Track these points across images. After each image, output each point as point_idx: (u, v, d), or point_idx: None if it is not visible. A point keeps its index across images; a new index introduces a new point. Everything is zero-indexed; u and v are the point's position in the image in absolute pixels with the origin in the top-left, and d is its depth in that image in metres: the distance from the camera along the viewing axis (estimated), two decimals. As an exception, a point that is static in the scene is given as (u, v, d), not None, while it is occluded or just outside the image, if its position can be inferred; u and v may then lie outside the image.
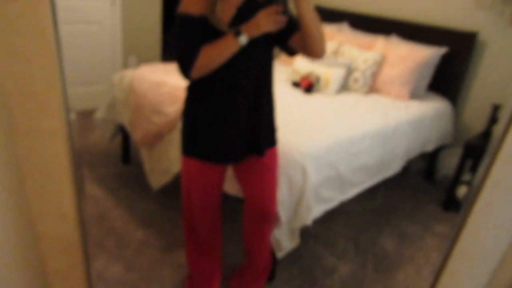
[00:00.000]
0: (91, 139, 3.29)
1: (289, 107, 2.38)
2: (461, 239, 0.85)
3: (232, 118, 1.48)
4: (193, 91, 1.51)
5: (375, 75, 2.93)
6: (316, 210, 1.99)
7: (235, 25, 1.36)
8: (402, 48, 2.96)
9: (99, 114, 2.84)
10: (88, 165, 2.90)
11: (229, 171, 1.79)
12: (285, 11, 1.32)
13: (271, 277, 2.01)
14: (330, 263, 2.18)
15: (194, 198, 1.66)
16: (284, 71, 3.16)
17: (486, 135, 2.67)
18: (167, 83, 2.44)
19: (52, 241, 0.99)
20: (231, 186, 1.88)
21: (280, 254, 1.90)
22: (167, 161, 2.31)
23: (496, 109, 2.60)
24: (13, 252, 1.01)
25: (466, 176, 2.73)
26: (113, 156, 3.06)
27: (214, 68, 1.37)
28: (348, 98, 2.76)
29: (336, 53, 3.11)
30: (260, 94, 1.50)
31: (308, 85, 2.80)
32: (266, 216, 1.72)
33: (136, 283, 1.93)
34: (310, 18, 1.33)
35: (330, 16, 3.59)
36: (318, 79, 2.81)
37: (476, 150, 2.62)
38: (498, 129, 0.75)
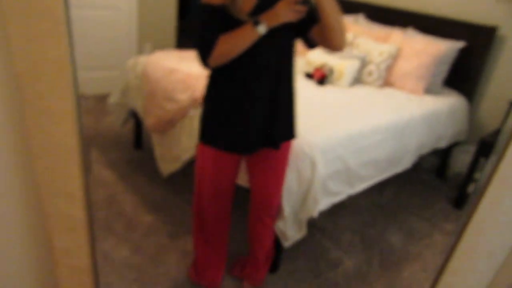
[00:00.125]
0: (104, 123, 3.33)
1: (301, 98, 2.35)
2: (466, 235, 0.84)
3: (249, 109, 1.47)
4: (212, 80, 1.51)
5: (390, 68, 2.89)
6: (323, 203, 1.98)
7: (256, 15, 1.35)
8: (419, 41, 2.90)
9: (112, 99, 2.87)
10: (100, 149, 2.94)
11: (242, 165, 1.79)
12: (305, 1, 1.30)
13: (275, 268, 2.02)
14: (335, 257, 2.18)
15: (206, 186, 1.67)
16: (298, 62, 3.13)
17: (501, 132, 2.62)
18: (180, 70, 2.44)
19: (59, 220, 1.00)
20: (241, 176, 1.89)
21: (286, 244, 1.91)
22: (177, 148, 2.33)
23: (512, 106, 2.55)
24: (22, 229, 1.03)
25: (478, 174, 2.69)
26: (125, 141, 3.09)
27: (231, 57, 1.37)
28: (361, 91, 2.73)
29: (351, 45, 3.07)
30: (279, 86, 1.48)
31: (321, 77, 2.77)
32: (269, 208, 1.74)
33: (142, 266, 1.96)
34: (330, 9, 1.30)
35: (347, 7, 3.54)
36: (331, 71, 2.78)
37: (490, 148, 2.57)
38: (508, 125, 0.74)
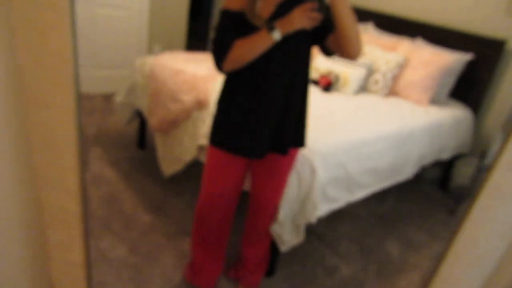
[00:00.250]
0: (110, 122, 3.35)
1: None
2: (458, 242, 0.84)
3: (261, 115, 1.48)
4: (227, 84, 1.53)
5: (396, 77, 2.89)
6: (322, 209, 1.98)
7: (273, 22, 1.36)
8: (426, 51, 2.90)
9: (118, 98, 2.89)
10: (103, 147, 2.96)
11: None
12: (321, 9, 1.30)
13: (272, 272, 2.02)
14: (332, 263, 2.17)
15: (213, 187, 1.67)
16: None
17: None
18: (186, 71, 2.46)
19: (54, 213, 1.01)
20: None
21: (283, 248, 1.91)
22: (180, 149, 2.34)
23: (518, 121, 2.53)
24: (18, 222, 1.04)
25: (481, 188, 2.67)
26: (129, 141, 3.11)
27: (245, 63, 1.39)
28: (366, 99, 2.73)
29: (358, 53, 3.07)
30: (292, 95, 1.49)
31: (327, 84, 2.78)
32: (267, 213, 1.76)
33: (138, 265, 1.96)
34: (345, 18, 1.30)
35: (356, 15, 3.54)
36: (337, 78, 2.79)
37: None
38: (501, 136, 0.74)
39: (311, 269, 2.11)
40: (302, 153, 1.84)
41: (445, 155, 2.81)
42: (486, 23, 2.87)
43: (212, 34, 5.03)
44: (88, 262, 1.12)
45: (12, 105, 0.91)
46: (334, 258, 2.21)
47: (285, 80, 1.45)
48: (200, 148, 2.15)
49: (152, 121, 2.52)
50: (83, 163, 1.01)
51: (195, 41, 4.94)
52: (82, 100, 3.67)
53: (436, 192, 3.09)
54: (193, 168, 2.44)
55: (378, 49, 3.01)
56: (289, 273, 2.06)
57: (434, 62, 2.81)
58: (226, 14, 1.38)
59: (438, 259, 0.89)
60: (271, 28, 1.33)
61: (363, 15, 3.53)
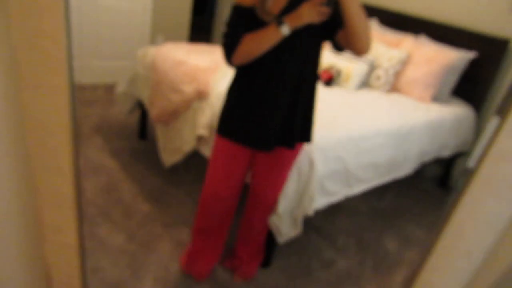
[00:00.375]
0: (111, 113, 3.37)
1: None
2: (446, 233, 0.84)
3: (269, 108, 1.50)
4: (238, 76, 1.54)
5: (398, 74, 2.88)
6: (320, 202, 1.98)
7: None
8: (430, 49, 2.89)
9: (119, 89, 2.90)
10: (105, 137, 2.97)
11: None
12: (329, 3, 1.30)
13: (267, 264, 2.02)
14: (329, 257, 2.17)
15: (217, 176, 1.69)
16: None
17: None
18: (188, 62, 2.46)
19: (48, 195, 1.02)
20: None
21: (280, 240, 1.91)
22: (180, 139, 2.35)
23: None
24: (12, 202, 1.05)
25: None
26: (130, 131, 3.12)
27: (255, 56, 1.40)
28: (367, 95, 2.73)
29: (361, 48, 3.06)
30: (301, 88, 1.50)
31: (328, 78, 2.77)
32: (266, 207, 1.77)
33: (135, 253, 1.98)
34: (354, 14, 1.30)
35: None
36: (339, 73, 2.78)
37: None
38: (490, 126, 0.73)
39: (307, 262, 2.11)
40: (301, 146, 1.84)
41: (446, 153, 2.80)
42: (490, 22, 2.85)
43: (216, 28, 5.03)
44: (82, 245, 1.13)
45: (5, 86, 0.92)
46: (331, 252, 2.21)
47: (294, 75, 1.46)
48: (199, 138, 2.16)
49: (153, 112, 2.53)
50: (76, 146, 1.02)
51: (199, 34, 4.94)
52: (84, 90, 3.68)
53: (436, 189, 3.09)
54: (193, 159, 2.45)
55: (381, 45, 3.00)
56: (285, 264, 2.07)
57: (437, 60, 2.80)
58: (237, 10, 1.41)
59: (426, 251, 0.89)
60: (280, 23, 1.34)
61: (368, 11, 3.52)
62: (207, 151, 2.13)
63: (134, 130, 3.13)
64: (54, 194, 1.03)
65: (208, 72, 2.34)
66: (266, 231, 1.89)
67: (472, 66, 2.84)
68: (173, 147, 2.41)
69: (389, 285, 2.05)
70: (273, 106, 1.49)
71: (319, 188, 1.94)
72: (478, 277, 0.85)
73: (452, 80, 2.85)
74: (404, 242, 2.40)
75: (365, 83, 2.88)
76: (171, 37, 4.11)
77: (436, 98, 2.83)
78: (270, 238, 1.94)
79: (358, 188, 2.20)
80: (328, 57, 2.87)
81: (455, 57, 2.78)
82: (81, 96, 3.55)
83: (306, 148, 1.86)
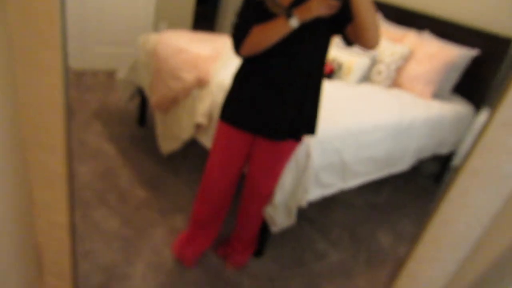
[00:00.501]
0: (111, 99, 3.37)
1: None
2: (433, 224, 0.84)
3: (275, 98, 1.50)
4: (244, 64, 1.55)
5: (400, 69, 2.86)
6: (314, 194, 1.98)
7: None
8: (433, 45, 2.87)
9: (120, 75, 2.90)
10: (104, 123, 2.98)
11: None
12: None
13: (260, 253, 2.03)
14: (322, 249, 2.18)
15: (218, 161, 1.71)
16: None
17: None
18: (189, 50, 2.46)
19: (40, 173, 1.03)
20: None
21: (274, 229, 1.92)
22: (178, 127, 2.35)
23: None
24: (3, 180, 1.06)
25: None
26: (129, 118, 3.13)
27: (263, 48, 1.40)
28: (368, 89, 2.72)
29: (363, 43, 3.04)
30: (309, 81, 1.50)
31: (329, 71, 2.76)
32: (262, 197, 1.77)
33: (129, 238, 1.99)
34: (363, 7, 1.30)
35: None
36: (340, 66, 2.77)
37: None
38: (480, 119, 0.73)
39: (300, 253, 2.12)
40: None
41: (444, 150, 2.80)
42: (494, 20, 2.83)
43: (220, 18, 5.01)
44: (72, 224, 1.13)
45: (1, 62, 0.92)
46: (324, 244, 2.22)
47: (303, 67, 1.47)
48: (198, 127, 2.16)
49: (153, 100, 2.53)
50: (68, 123, 1.02)
51: (202, 24, 4.92)
52: (85, 76, 3.68)
53: (433, 186, 3.09)
54: (191, 148, 2.46)
55: (384, 40, 2.98)
56: (278, 254, 2.08)
57: (440, 56, 2.78)
58: (248, 1, 1.42)
59: (414, 241, 0.89)
60: (289, 15, 1.34)
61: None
62: (205, 140, 2.13)
63: (134, 116, 3.13)
64: (45, 172, 1.04)
65: (209, 60, 2.34)
66: (261, 222, 1.90)
67: (474, 63, 2.82)
68: (172, 134, 2.41)
69: (381, 280, 2.06)
70: (279, 97, 1.50)
71: (314, 179, 1.94)
72: (464, 269, 0.85)
73: (454, 77, 2.84)
74: (398, 237, 2.40)
75: (366, 78, 2.87)
76: (174, 25, 4.09)
77: (437, 95, 2.82)
78: (263, 228, 1.95)
79: (353, 182, 2.20)
80: (330, 50, 2.85)
81: (457, 54, 2.76)
82: (81, 81, 3.55)
83: (304, 139, 1.86)
